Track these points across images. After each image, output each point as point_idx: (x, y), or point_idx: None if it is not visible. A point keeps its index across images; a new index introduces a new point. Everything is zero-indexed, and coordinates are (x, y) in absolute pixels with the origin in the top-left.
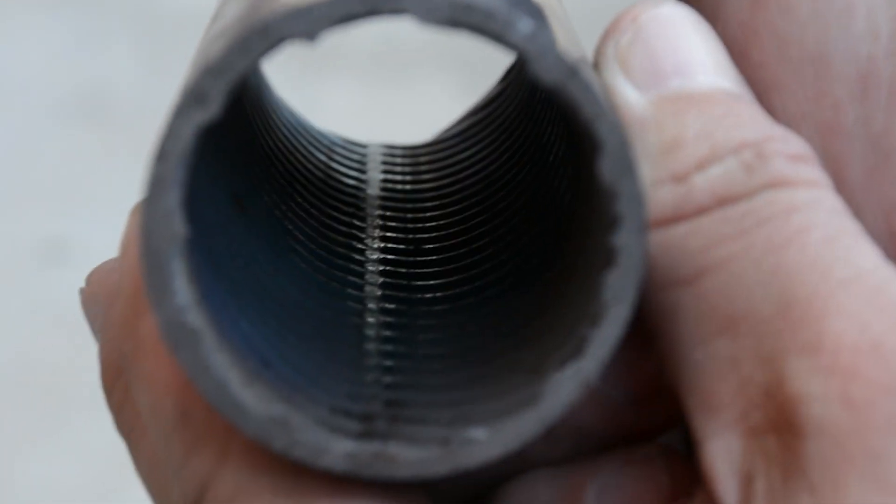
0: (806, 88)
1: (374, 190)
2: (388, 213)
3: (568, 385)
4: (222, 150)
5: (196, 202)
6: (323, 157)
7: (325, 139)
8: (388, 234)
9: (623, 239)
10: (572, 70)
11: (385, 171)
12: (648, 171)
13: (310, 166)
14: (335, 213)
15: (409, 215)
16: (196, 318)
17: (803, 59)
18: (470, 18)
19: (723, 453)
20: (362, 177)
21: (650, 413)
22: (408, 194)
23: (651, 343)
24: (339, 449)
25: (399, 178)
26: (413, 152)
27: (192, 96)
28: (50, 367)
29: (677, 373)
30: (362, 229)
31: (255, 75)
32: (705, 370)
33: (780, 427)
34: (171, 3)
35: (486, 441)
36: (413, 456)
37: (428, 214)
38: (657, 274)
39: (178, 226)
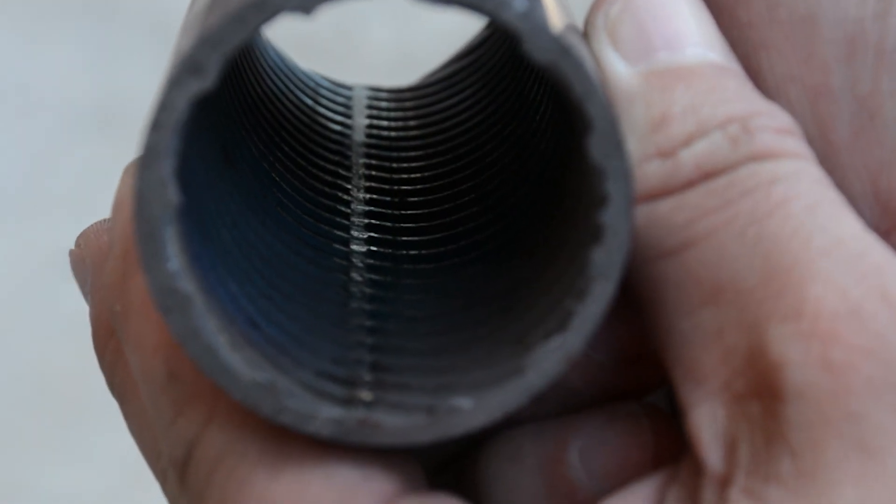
0: (794, 50)
1: (359, 136)
2: (372, 162)
3: (552, 358)
4: (212, 104)
5: (187, 161)
6: (309, 101)
7: (310, 81)
8: (373, 184)
9: (610, 217)
10: (565, 49)
11: (370, 117)
12: (635, 145)
13: (296, 112)
14: (321, 162)
15: (394, 164)
16: (187, 283)
17: (792, 20)
18: None
19: (708, 420)
20: (348, 122)
21: (634, 374)
22: (393, 142)
23: (634, 306)
24: (325, 415)
25: (385, 123)
26: (398, 96)
27: (188, 67)
28: (67, 377)
29: (663, 343)
30: (348, 179)
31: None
32: (690, 340)
33: (763, 393)
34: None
35: (470, 410)
36: (398, 423)
37: (413, 165)
38: (644, 246)
39: (171, 194)
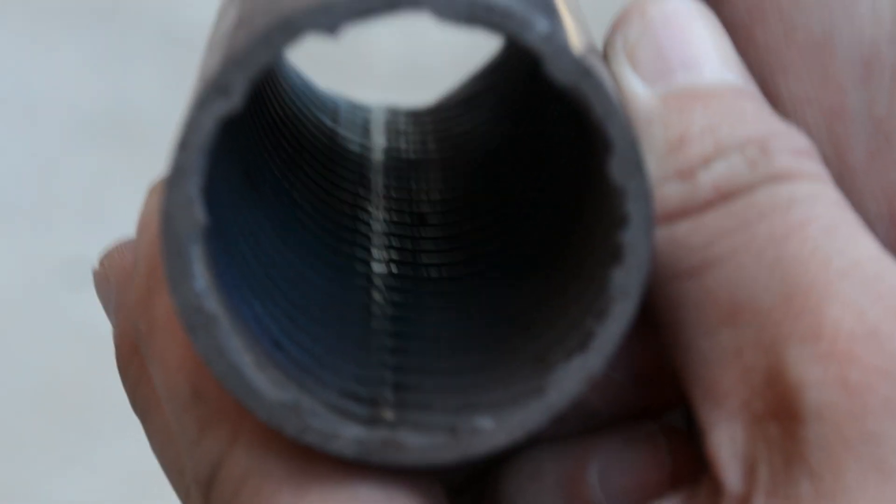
0: (811, 72)
1: (378, 156)
2: (392, 183)
3: (573, 378)
4: (235, 125)
5: (211, 182)
6: (328, 122)
7: (329, 101)
8: (393, 204)
9: (630, 237)
10: (586, 71)
11: (389, 137)
12: (654, 166)
13: (316, 132)
14: (341, 182)
15: (414, 185)
16: (212, 302)
17: (809, 42)
18: (488, 17)
19: (727, 441)
20: (366, 142)
21: (652, 393)
22: (411, 162)
23: (652, 324)
24: (348, 434)
25: (403, 144)
26: (417, 117)
27: (215, 88)
28: (76, 387)
29: (682, 363)
30: (367, 199)
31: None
32: (709, 359)
33: (781, 414)
34: (192, 26)
35: (492, 430)
36: (421, 443)
37: (432, 185)
38: (662, 267)
39: (198, 213)
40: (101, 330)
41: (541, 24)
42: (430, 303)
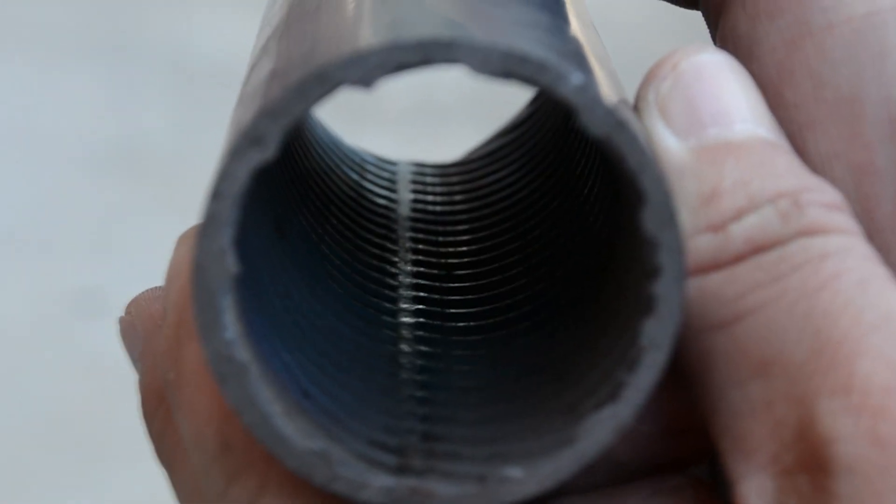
0: (839, 129)
1: (405, 210)
2: (419, 236)
3: (603, 428)
4: (265, 176)
5: (243, 231)
6: (355, 176)
7: (356, 156)
8: (420, 257)
9: (662, 288)
10: (620, 123)
11: (415, 192)
12: (686, 219)
13: (343, 186)
14: (367, 235)
15: (441, 238)
16: (243, 352)
17: (837, 100)
18: (523, 70)
19: (756, 493)
20: (393, 196)
21: (680, 446)
22: (438, 216)
23: (681, 378)
24: (377, 483)
25: (430, 198)
26: (443, 172)
27: (249, 138)
28: (85, 417)
29: (711, 414)
30: (394, 252)
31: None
32: (739, 412)
33: (812, 467)
34: (202, 59)
35: (522, 479)
36: (450, 492)
37: (459, 238)
38: (693, 318)
39: (229, 264)
40: (108, 360)
41: (575, 77)
42: (458, 353)
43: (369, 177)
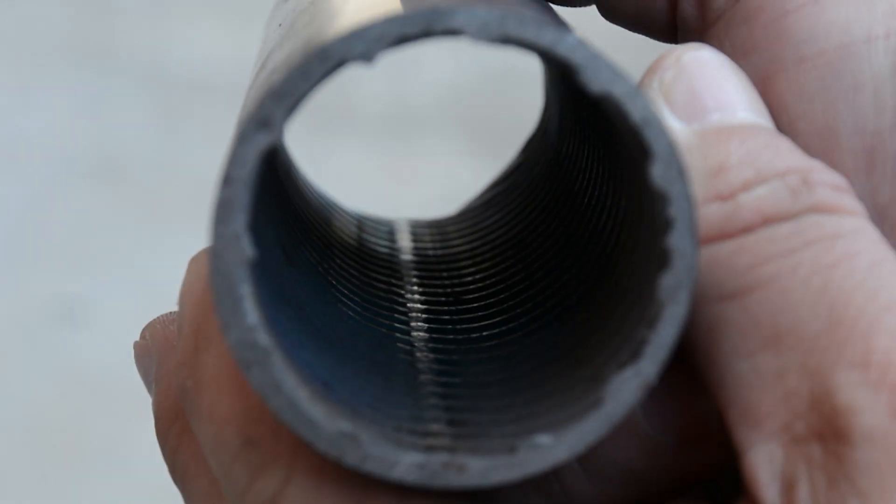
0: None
1: (406, 256)
2: (423, 275)
3: (628, 386)
4: (269, 204)
5: (254, 245)
6: (354, 230)
7: (353, 214)
8: (427, 289)
9: (676, 241)
10: (620, 76)
11: (415, 240)
12: (695, 192)
13: (343, 236)
14: (373, 274)
15: (445, 274)
16: (265, 337)
17: (811, 132)
18: (522, 35)
19: (765, 460)
20: (394, 245)
21: (696, 456)
22: (440, 258)
23: (697, 392)
24: (408, 460)
25: (429, 245)
26: (439, 223)
27: (257, 121)
28: (60, 426)
29: (719, 386)
30: (401, 286)
31: (282, 152)
32: (749, 382)
33: (826, 435)
34: (183, 68)
35: (552, 445)
36: (481, 464)
37: (463, 272)
38: (703, 289)
39: (246, 248)
40: (88, 369)
41: (571, 37)
42: (474, 357)
43: (368, 229)
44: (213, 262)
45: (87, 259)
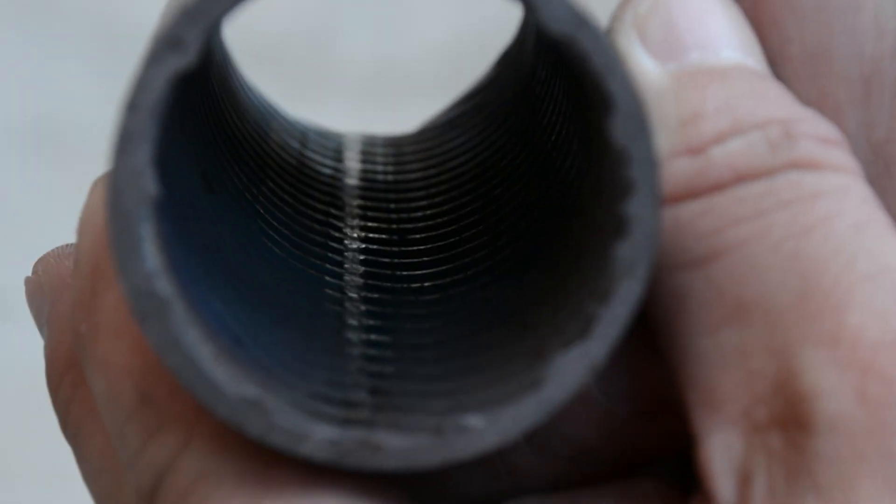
0: (806, 88)
1: (352, 180)
2: (368, 204)
3: (573, 369)
4: (189, 125)
5: (163, 174)
6: (296, 145)
7: (297, 126)
8: (370, 223)
9: (635, 207)
10: (582, 20)
11: (364, 161)
12: (663, 143)
13: (282, 153)
14: (309, 201)
15: (393, 205)
16: (165, 286)
17: (804, 56)
18: None
19: (722, 450)
20: (339, 166)
21: (653, 431)
22: (390, 185)
23: (656, 356)
24: (320, 435)
25: (381, 167)
26: (395, 142)
27: (167, 42)
28: None
29: (679, 364)
30: (340, 218)
31: (222, 53)
32: (710, 361)
33: (787, 423)
34: (135, 24)
35: (482, 429)
36: (402, 444)
37: (413, 205)
38: (665, 255)
39: (148, 184)
40: (16, 367)
41: None
42: (411, 312)
43: (312, 146)
44: (110, 199)
45: (20, 241)
